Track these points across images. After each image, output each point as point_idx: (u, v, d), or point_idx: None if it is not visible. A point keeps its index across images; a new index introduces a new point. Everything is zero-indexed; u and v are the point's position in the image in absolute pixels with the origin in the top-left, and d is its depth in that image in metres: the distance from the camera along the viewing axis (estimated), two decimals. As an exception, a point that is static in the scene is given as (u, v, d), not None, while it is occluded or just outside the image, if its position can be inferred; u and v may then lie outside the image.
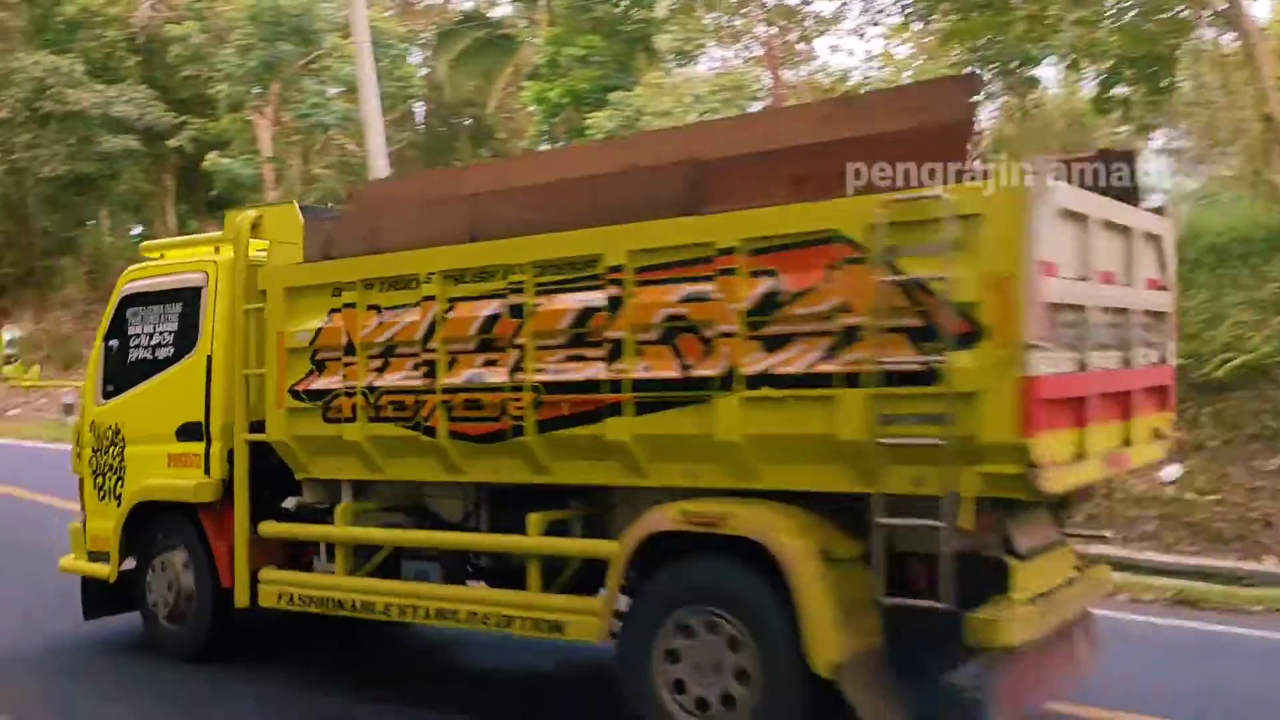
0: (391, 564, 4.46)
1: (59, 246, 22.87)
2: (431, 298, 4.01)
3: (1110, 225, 3.47)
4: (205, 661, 4.96)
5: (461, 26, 23.43)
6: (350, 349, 4.25)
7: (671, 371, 3.47)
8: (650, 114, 19.01)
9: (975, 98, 4.30)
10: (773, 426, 3.30)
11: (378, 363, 4.21)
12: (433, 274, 4.00)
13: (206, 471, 4.84)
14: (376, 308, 4.21)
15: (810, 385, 3.22)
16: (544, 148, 24.17)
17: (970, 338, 2.97)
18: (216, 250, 5.13)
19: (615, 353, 3.55)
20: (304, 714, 4.60)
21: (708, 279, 3.40)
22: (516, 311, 3.80)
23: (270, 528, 4.68)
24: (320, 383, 4.38)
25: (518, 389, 3.77)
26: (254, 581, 4.66)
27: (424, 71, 25.02)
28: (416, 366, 4.08)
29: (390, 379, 4.16)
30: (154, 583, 5.12)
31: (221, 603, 4.82)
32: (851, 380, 3.13)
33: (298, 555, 4.80)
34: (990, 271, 2.95)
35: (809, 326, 3.23)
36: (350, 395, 4.25)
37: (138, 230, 31.67)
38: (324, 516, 4.61)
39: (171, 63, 21.35)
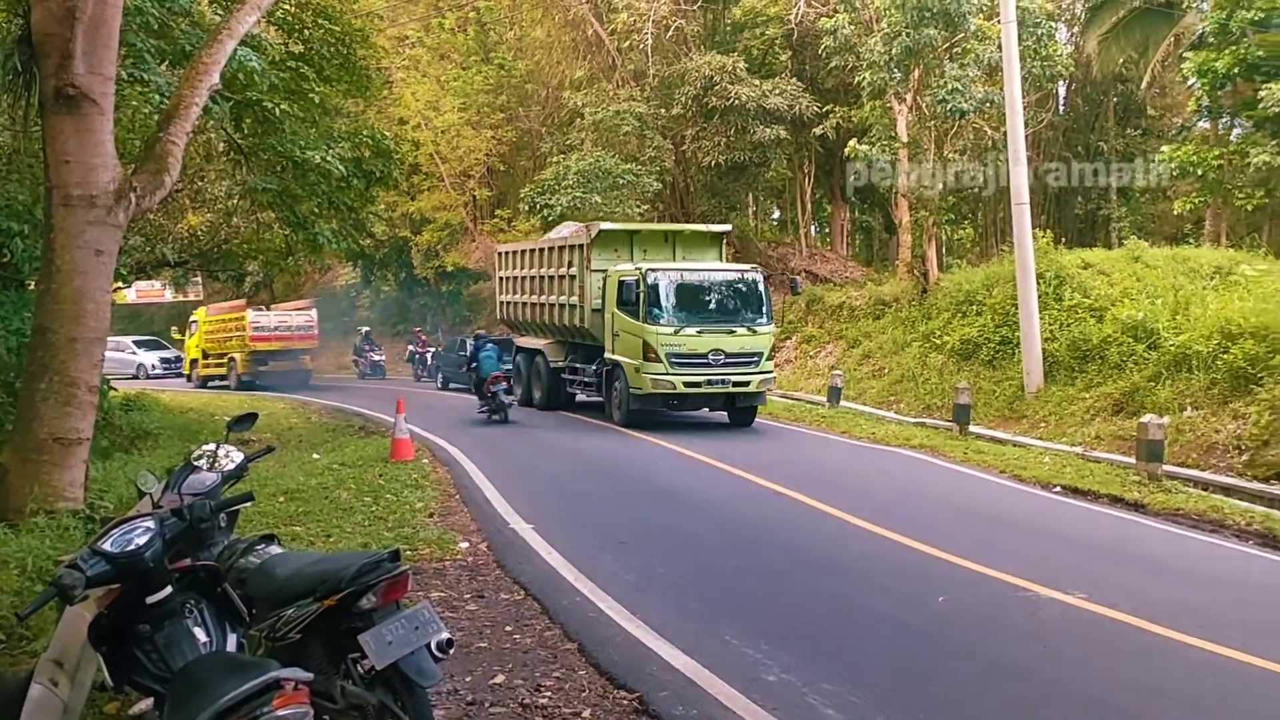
0: None
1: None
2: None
3: (283, 321, 32.28)
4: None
5: (1118, -4, 27.56)
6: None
7: None
8: (1345, 81, 21.13)
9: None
10: None
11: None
12: None
13: None
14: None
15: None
16: (1203, 124, 27.17)
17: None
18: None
19: None
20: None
21: None
22: None
23: None
24: None
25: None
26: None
27: (1070, 49, 29.62)
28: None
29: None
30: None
31: None
32: None
33: None
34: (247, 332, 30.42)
35: None
36: None
37: (775, 214, 41.54)
38: None
39: (820, 55, 29.02)
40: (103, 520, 7.14)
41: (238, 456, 5.17)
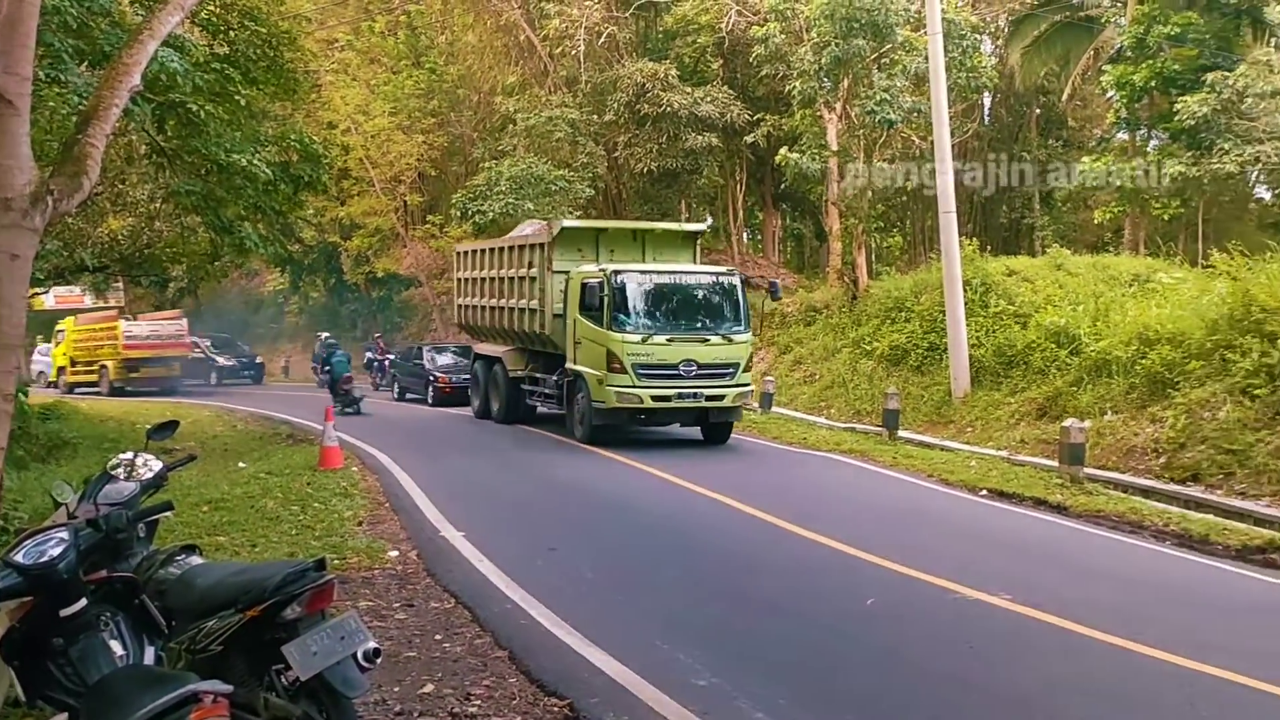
0: None
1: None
2: None
3: (155, 330, 33.84)
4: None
5: (1039, 11, 28.18)
6: None
7: None
8: (1255, 95, 21.85)
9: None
10: None
11: None
12: None
13: None
14: None
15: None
16: (1122, 136, 27.89)
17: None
18: None
19: None
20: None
21: None
22: None
23: None
24: None
25: None
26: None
27: (994, 61, 30.25)
28: None
29: None
30: None
31: None
32: None
33: None
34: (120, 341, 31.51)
35: None
36: None
37: (709, 221, 41.69)
38: None
39: (751, 63, 29.24)
40: (16, 532, 6.95)
41: (156, 465, 5.07)
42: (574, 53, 30.75)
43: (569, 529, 11.05)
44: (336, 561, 8.62)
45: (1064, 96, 31.61)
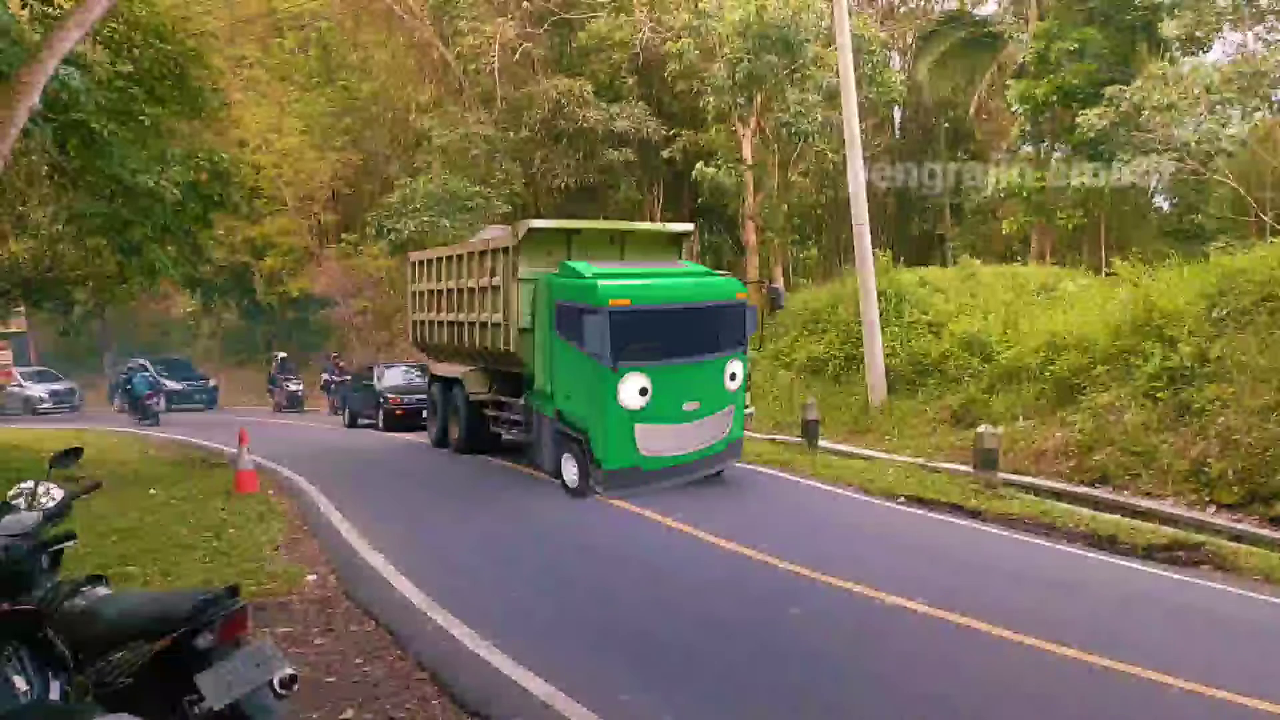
0: None
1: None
2: None
3: None
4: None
5: (944, 27, 28.91)
6: None
7: None
8: (1151, 108, 22.63)
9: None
10: None
11: None
12: None
13: None
14: None
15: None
16: (1027, 148, 28.67)
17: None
18: None
19: None
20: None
21: None
22: None
23: None
24: None
25: None
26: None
27: (902, 76, 30.91)
28: None
29: None
30: None
31: None
32: None
33: None
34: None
35: None
36: None
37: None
38: None
39: (666, 79, 29.61)
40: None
41: (59, 494, 4.92)
42: (489, 69, 30.70)
43: (489, 547, 10.95)
44: (252, 587, 8.45)
45: (971, 110, 32.41)
